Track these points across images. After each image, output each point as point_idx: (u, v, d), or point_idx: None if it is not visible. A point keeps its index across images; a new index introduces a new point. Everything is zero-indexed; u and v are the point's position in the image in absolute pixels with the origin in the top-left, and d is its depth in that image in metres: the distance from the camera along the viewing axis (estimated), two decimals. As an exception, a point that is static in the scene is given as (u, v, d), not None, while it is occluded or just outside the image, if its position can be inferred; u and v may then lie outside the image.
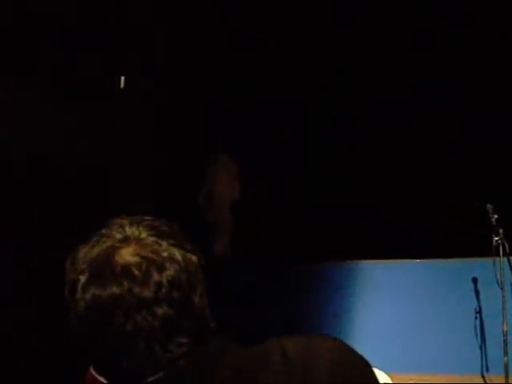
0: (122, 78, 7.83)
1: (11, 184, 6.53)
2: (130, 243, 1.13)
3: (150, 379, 1.11)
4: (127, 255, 1.12)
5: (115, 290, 1.09)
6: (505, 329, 4.89)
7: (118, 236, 1.15)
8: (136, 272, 1.10)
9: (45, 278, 6.20)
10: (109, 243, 1.14)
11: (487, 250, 5.18)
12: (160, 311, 1.09)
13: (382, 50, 7.55)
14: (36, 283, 6.11)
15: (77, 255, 1.17)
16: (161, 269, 1.11)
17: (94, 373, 1.30)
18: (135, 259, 1.11)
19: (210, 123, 7.86)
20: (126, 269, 1.10)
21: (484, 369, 5.21)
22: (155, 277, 1.10)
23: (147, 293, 1.09)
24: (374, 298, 5.68)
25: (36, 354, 5.22)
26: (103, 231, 1.18)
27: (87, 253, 1.15)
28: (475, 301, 5.31)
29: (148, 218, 1.19)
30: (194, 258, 1.16)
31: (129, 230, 1.16)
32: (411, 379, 5.06)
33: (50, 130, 6.79)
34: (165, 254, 1.12)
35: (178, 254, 1.13)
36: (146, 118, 7.79)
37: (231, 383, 1.12)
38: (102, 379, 1.29)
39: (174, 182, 7.58)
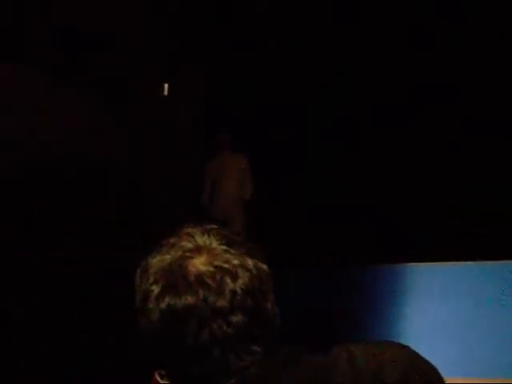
0: (166, 86, 7.86)
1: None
2: (202, 252, 1.14)
3: None
4: (200, 265, 1.13)
5: (190, 299, 1.10)
6: None
7: (189, 245, 1.16)
8: (210, 281, 1.11)
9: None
10: (180, 252, 1.15)
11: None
12: (235, 319, 1.10)
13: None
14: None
15: (147, 265, 1.17)
16: (234, 277, 1.12)
17: (159, 379, 1.31)
18: (209, 268, 1.12)
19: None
20: (200, 278, 1.11)
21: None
22: (229, 285, 1.11)
23: (222, 302, 1.10)
24: (427, 300, 5.62)
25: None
26: (172, 240, 1.18)
27: (158, 262, 1.16)
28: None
29: (216, 226, 1.21)
30: (265, 266, 1.16)
31: (200, 239, 1.16)
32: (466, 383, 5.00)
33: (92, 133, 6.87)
34: (237, 263, 1.13)
35: (249, 262, 1.14)
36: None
37: None
38: None
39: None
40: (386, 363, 1.15)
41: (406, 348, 1.19)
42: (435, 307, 5.52)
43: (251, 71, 7.77)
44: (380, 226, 6.91)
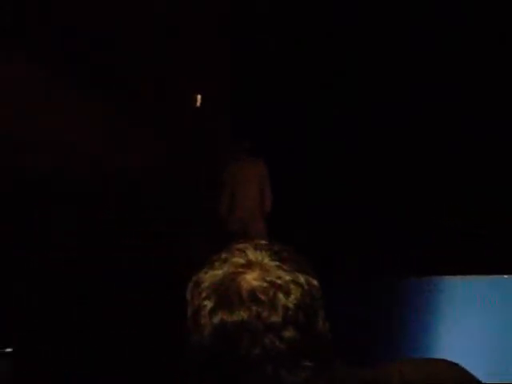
0: (199, 97, 7.81)
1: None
2: (254, 268, 1.15)
3: None
4: (252, 280, 1.14)
5: (243, 315, 1.11)
6: None
7: (241, 261, 1.17)
8: (263, 297, 1.12)
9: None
10: (232, 268, 1.16)
11: None
12: (287, 334, 1.11)
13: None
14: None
15: (199, 279, 1.18)
16: (287, 293, 1.13)
17: None
18: (261, 284, 1.13)
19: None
20: (253, 294, 1.12)
21: None
22: (282, 301, 1.12)
23: (275, 317, 1.11)
24: (460, 313, 5.59)
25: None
26: (224, 255, 1.19)
27: (210, 277, 1.17)
28: None
29: (266, 242, 1.22)
30: (316, 282, 1.18)
31: (251, 255, 1.17)
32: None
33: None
34: (289, 279, 1.14)
35: (301, 278, 1.15)
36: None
37: None
38: None
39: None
40: (438, 381, 1.17)
41: (456, 365, 1.21)
42: (472, 320, 5.49)
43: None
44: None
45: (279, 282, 1.13)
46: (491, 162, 7.20)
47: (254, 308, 1.11)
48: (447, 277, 5.84)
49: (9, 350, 3.16)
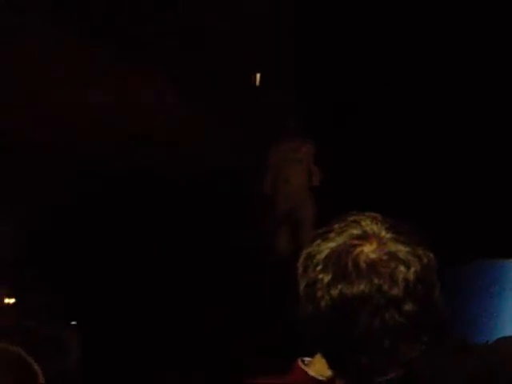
0: (258, 75, 7.63)
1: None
2: (371, 240, 1.12)
3: (387, 377, 1.10)
4: (370, 252, 1.11)
5: (364, 287, 1.08)
6: None
7: (357, 232, 1.14)
8: (383, 269, 1.10)
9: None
10: (348, 240, 1.13)
11: None
12: (407, 308, 1.09)
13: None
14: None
15: (313, 251, 1.15)
16: (407, 265, 1.10)
17: (303, 367, 1.31)
18: (381, 256, 1.11)
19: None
20: (373, 266, 1.10)
21: None
22: (403, 273, 1.09)
23: (396, 290, 1.09)
24: None
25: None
26: (338, 227, 1.16)
27: (325, 249, 1.14)
28: None
29: (378, 214, 1.19)
30: (432, 255, 1.15)
31: (367, 227, 1.14)
32: None
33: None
34: (408, 251, 1.12)
35: (419, 250, 1.13)
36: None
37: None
38: (313, 374, 1.31)
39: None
40: None
41: None
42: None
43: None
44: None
45: (398, 254, 1.10)
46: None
47: (375, 280, 1.08)
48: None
49: (73, 322, 3.15)
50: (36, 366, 1.68)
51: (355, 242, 1.12)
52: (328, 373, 1.37)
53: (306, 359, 1.39)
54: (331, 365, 1.17)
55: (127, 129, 6.41)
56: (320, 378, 1.38)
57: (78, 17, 6.71)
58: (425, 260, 1.12)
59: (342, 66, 7.26)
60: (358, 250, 1.11)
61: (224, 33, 7.11)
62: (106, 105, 6.42)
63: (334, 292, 1.09)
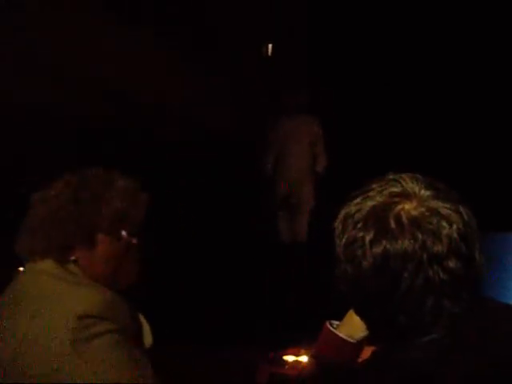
0: (270, 46, 7.50)
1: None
2: (411, 198, 1.11)
3: (429, 337, 1.08)
4: (411, 209, 1.09)
5: (407, 244, 1.07)
6: None
7: (396, 190, 1.12)
8: (427, 225, 1.08)
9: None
10: (387, 198, 1.12)
11: None
12: (450, 265, 1.07)
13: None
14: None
15: (351, 210, 1.13)
16: (450, 221, 1.09)
17: (332, 329, 1.34)
18: (423, 212, 1.09)
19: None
20: (416, 222, 1.08)
21: None
22: (446, 230, 1.08)
23: (440, 247, 1.07)
24: None
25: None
26: (377, 186, 1.14)
27: (365, 207, 1.12)
28: None
29: (417, 174, 1.16)
30: (471, 213, 1.13)
31: (406, 185, 1.13)
32: None
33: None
34: (450, 207, 1.10)
35: (461, 208, 1.11)
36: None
37: (509, 341, 1.10)
38: (341, 335, 1.35)
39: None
40: None
41: None
42: None
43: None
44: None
45: (440, 210, 1.08)
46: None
47: (419, 237, 1.06)
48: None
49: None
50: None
51: (396, 199, 1.10)
52: (357, 335, 1.40)
53: (335, 322, 1.41)
54: (369, 326, 1.14)
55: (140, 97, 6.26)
56: (350, 340, 1.40)
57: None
58: (465, 217, 1.10)
59: (356, 47, 7.28)
60: (399, 207, 1.09)
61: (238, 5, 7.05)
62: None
63: (378, 249, 1.07)
